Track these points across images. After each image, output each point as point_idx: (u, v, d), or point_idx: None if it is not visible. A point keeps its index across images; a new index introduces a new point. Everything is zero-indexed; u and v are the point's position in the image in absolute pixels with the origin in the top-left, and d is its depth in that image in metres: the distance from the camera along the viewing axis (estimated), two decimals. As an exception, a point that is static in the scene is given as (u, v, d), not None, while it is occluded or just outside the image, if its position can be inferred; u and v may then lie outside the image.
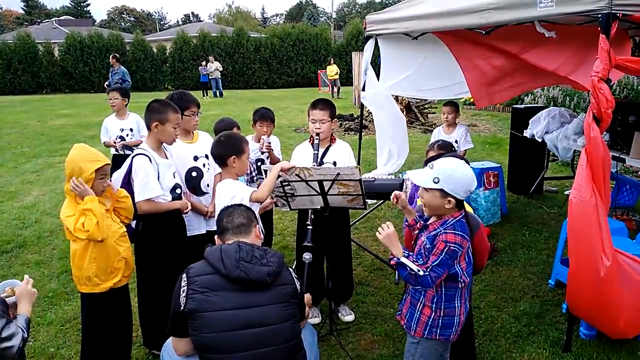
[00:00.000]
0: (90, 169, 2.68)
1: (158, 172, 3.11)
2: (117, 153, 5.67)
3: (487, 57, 4.35)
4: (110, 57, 13.63)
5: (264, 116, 4.25)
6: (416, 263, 2.36)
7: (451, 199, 2.36)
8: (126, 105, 5.91)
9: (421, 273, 2.32)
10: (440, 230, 2.38)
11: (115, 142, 5.69)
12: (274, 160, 4.28)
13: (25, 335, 2.01)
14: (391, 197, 2.71)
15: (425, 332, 2.48)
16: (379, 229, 2.46)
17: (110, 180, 2.93)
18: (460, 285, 2.43)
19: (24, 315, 2.09)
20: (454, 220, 2.39)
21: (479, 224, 2.68)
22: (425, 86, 5.18)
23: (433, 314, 2.45)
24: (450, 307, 2.45)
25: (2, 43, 28.75)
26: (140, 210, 3.08)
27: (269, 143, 4.15)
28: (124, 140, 5.74)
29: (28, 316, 2.11)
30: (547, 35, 3.30)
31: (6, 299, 2.15)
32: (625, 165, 6.24)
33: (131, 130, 5.83)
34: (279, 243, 5.37)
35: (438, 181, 2.35)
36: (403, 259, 2.37)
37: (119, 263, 2.88)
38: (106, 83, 13.15)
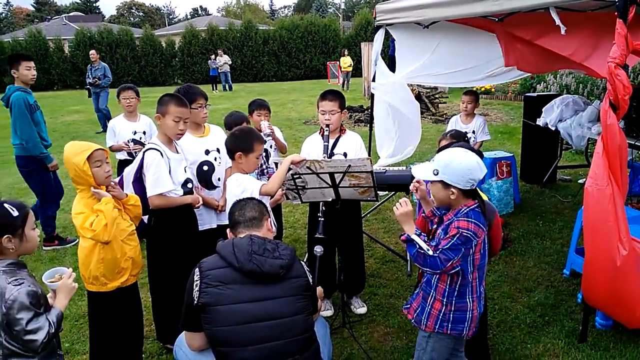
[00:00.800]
0: (82, 160, 2.63)
1: (169, 167, 3.10)
2: (123, 158, 5.17)
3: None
4: (91, 52, 12.75)
5: (260, 105, 4.27)
6: (427, 242, 2.34)
7: (454, 190, 2.33)
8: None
9: (430, 253, 2.29)
10: (454, 219, 2.36)
11: (127, 144, 5.01)
12: (280, 146, 4.30)
13: (52, 330, 2.02)
14: (410, 187, 2.66)
15: (437, 327, 2.45)
16: (397, 204, 2.44)
17: (115, 183, 2.90)
18: (471, 280, 2.39)
19: (57, 309, 2.12)
20: (467, 209, 2.35)
21: (494, 210, 2.65)
22: (437, 71, 5.10)
23: (444, 308, 2.42)
24: (462, 302, 2.41)
25: (14, 40, 29.01)
26: (152, 205, 3.07)
27: (270, 124, 4.16)
28: (138, 143, 5.04)
29: (61, 311, 2.13)
30: (562, 28, 3.22)
31: (52, 284, 2.20)
32: (641, 153, 6.14)
33: (144, 133, 5.21)
34: (290, 236, 5.37)
35: (437, 173, 2.34)
36: (414, 236, 2.35)
37: (126, 262, 2.84)
38: (88, 80, 12.32)
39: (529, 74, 5.98)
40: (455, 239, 2.29)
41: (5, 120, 6.37)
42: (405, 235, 2.39)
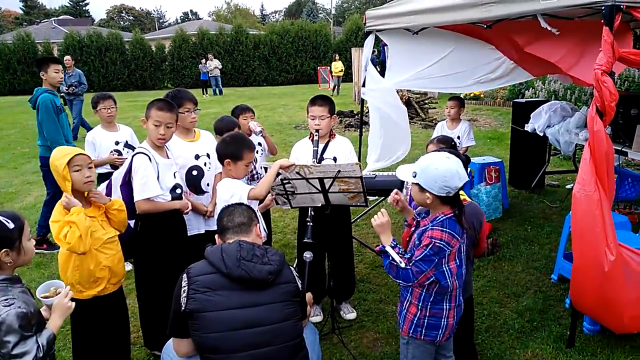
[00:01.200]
0: (62, 164, 2.61)
1: (158, 172, 3.08)
2: (105, 172, 4.72)
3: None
4: (65, 57, 11.98)
5: (244, 109, 4.27)
6: (400, 255, 2.34)
7: (429, 195, 2.33)
8: None
9: (402, 265, 2.30)
10: (429, 227, 2.36)
11: (112, 154, 4.69)
12: (271, 147, 4.29)
13: (40, 355, 1.92)
14: (389, 199, 2.67)
15: (411, 331, 2.46)
16: (375, 216, 2.44)
17: (98, 188, 2.86)
18: (450, 289, 2.38)
19: (49, 331, 2.02)
20: (443, 218, 2.35)
21: (480, 212, 2.67)
22: (426, 76, 5.12)
23: (419, 312, 2.42)
24: (437, 308, 2.41)
25: (2, 43, 28.74)
26: (139, 210, 3.05)
27: (259, 123, 4.19)
28: (122, 155, 4.73)
29: (53, 333, 2.03)
30: (553, 31, 3.26)
31: (46, 300, 2.12)
32: (627, 159, 6.21)
33: (126, 143, 4.85)
34: (280, 241, 5.35)
35: (415, 175, 2.35)
36: (388, 248, 2.35)
37: (102, 272, 2.77)
38: (63, 87, 11.34)
39: (517, 82, 6.05)
40: (427, 249, 2.30)
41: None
42: (380, 246, 2.40)
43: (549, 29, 3.25)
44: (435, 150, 2.78)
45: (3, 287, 1.97)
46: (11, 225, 2.01)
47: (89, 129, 11.00)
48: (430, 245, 2.29)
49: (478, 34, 4.32)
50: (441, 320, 2.41)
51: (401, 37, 4.79)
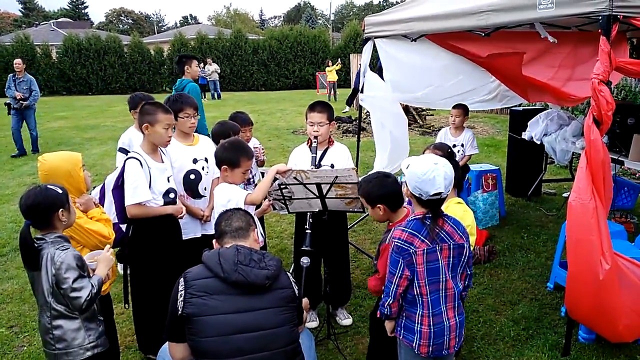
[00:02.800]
0: (79, 166, 2.72)
1: (150, 176, 3.08)
2: None
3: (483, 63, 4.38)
4: (16, 60, 10.26)
5: (245, 121, 4.24)
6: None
7: (413, 193, 2.36)
8: None
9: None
10: (395, 228, 2.42)
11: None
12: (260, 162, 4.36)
13: (94, 291, 2.29)
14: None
15: (397, 330, 2.48)
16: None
17: (91, 192, 2.90)
18: (419, 293, 2.35)
19: (98, 276, 2.39)
20: (411, 218, 2.39)
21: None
22: (434, 97, 5.22)
23: (400, 311, 2.44)
24: (412, 311, 2.40)
25: (0, 45, 28.68)
26: (129, 214, 3.06)
27: (259, 147, 4.26)
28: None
29: (101, 277, 2.39)
30: (551, 39, 3.28)
31: (91, 263, 2.44)
32: (624, 168, 6.25)
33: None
34: (277, 246, 5.35)
35: (407, 166, 2.39)
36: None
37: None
38: (9, 94, 10.02)
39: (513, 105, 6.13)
40: (391, 250, 2.34)
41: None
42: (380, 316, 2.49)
43: (549, 38, 3.26)
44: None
45: (59, 240, 2.34)
46: (60, 191, 2.37)
47: (22, 148, 10.31)
48: (392, 246, 2.33)
49: (472, 55, 4.35)
50: (414, 324, 2.38)
51: (399, 44, 4.81)
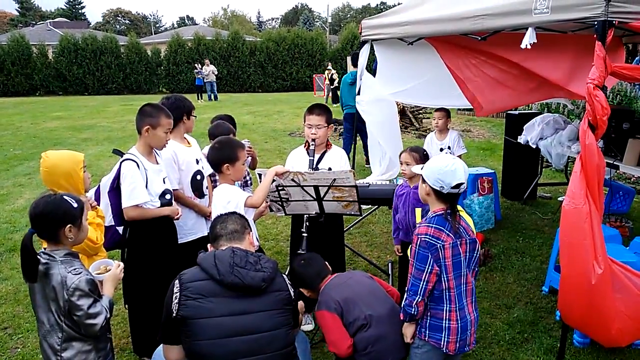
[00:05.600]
0: (79, 165, 2.72)
1: (146, 178, 3.07)
2: None
3: (480, 66, 4.37)
4: None
5: (229, 131, 4.20)
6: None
7: (427, 187, 2.41)
8: None
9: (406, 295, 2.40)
10: (418, 226, 2.44)
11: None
12: (254, 163, 4.31)
13: (108, 315, 2.24)
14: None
15: (419, 332, 2.47)
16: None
17: (87, 194, 2.89)
18: (447, 287, 2.38)
19: (107, 297, 2.30)
20: (432, 216, 2.42)
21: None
22: (426, 94, 5.18)
23: (425, 310, 2.43)
24: (438, 309, 2.41)
25: (-4, 44, 28.62)
26: (127, 217, 3.05)
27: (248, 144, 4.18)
28: None
29: (111, 298, 2.32)
30: (526, 47, 3.27)
31: (97, 275, 2.34)
32: (619, 172, 6.27)
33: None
34: (273, 248, 5.34)
35: (422, 167, 2.47)
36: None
37: None
38: None
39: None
40: (417, 247, 2.35)
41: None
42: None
43: (527, 45, 3.22)
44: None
45: (69, 260, 2.23)
46: (75, 204, 2.24)
47: None
48: (418, 242, 2.34)
49: (472, 49, 4.35)
50: (441, 321, 2.40)
51: (396, 47, 4.83)
